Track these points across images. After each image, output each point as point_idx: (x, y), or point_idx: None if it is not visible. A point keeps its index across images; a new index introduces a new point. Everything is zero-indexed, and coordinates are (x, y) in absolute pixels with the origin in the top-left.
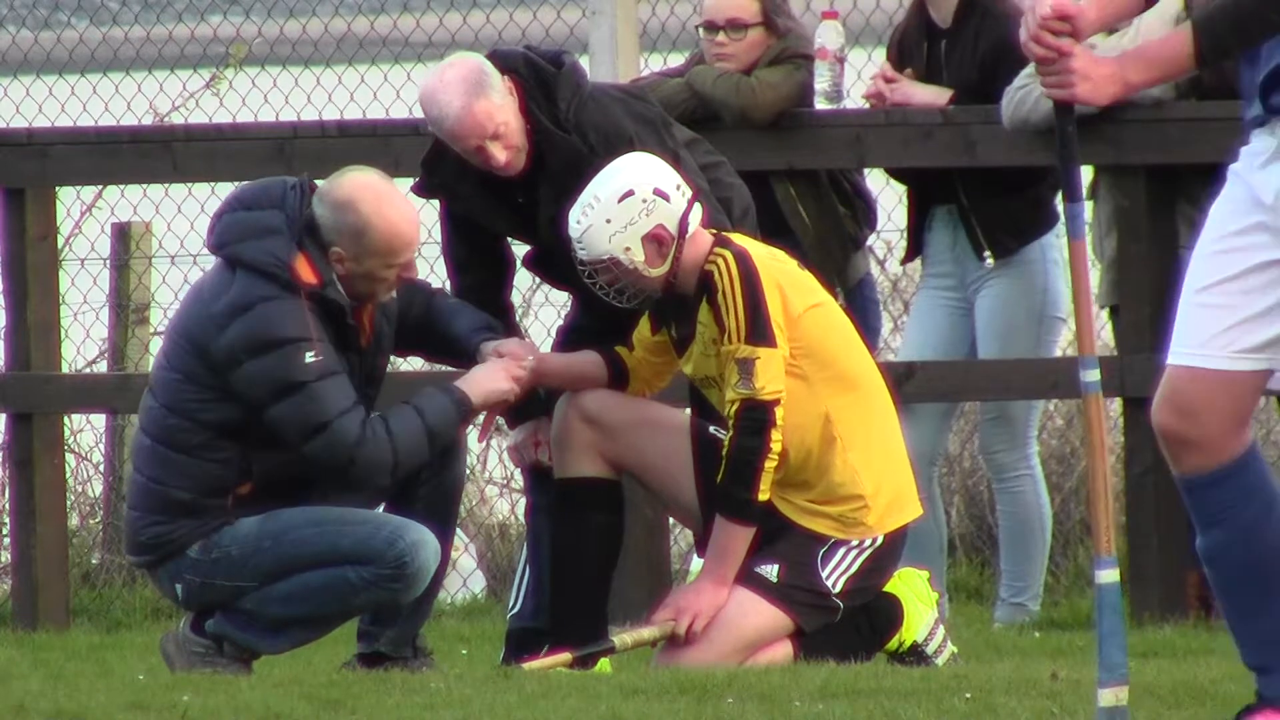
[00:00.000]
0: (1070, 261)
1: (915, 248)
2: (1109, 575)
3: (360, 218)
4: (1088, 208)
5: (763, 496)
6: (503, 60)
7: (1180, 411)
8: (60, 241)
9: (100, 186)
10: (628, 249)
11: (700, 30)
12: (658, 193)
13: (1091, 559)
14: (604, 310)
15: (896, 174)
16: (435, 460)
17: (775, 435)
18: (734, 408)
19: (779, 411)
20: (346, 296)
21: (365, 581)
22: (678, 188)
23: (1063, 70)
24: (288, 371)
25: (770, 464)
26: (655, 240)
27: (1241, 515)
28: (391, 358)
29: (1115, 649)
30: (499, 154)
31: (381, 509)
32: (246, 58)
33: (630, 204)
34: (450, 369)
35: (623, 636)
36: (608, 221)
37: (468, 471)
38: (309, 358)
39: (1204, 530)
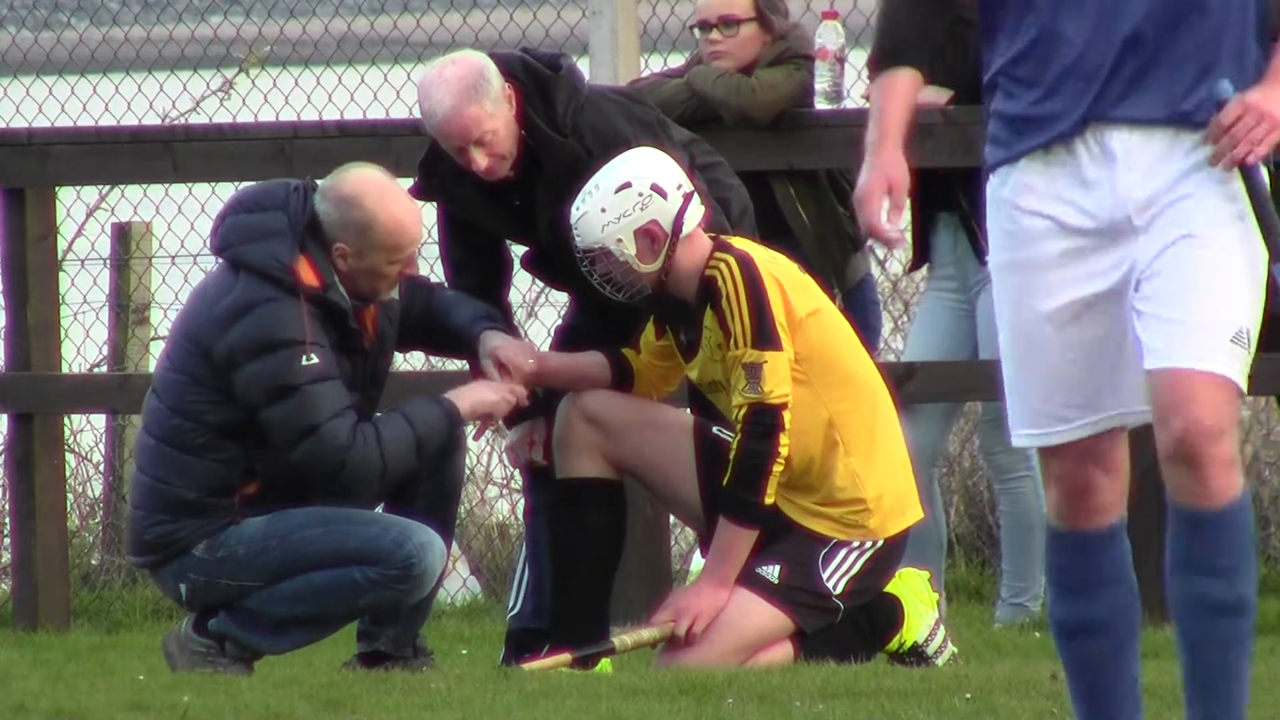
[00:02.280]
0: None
1: (921, 256)
2: None
3: (365, 213)
4: None
5: (769, 500)
6: (501, 63)
7: (1106, 467)
8: (63, 244)
9: (104, 188)
10: (619, 240)
11: (695, 31)
12: (655, 188)
13: None
14: (602, 311)
15: None
16: (435, 460)
17: (783, 439)
18: (742, 412)
19: (787, 415)
20: (349, 296)
21: (371, 582)
22: (678, 187)
23: (1258, 119)
24: (283, 374)
25: (778, 468)
26: (648, 235)
27: (1129, 571)
28: (395, 356)
29: None
30: (480, 159)
31: (380, 509)
32: (248, 58)
33: (626, 196)
34: (451, 370)
35: (623, 637)
36: (603, 210)
37: (468, 472)
38: (305, 361)
39: (1086, 595)
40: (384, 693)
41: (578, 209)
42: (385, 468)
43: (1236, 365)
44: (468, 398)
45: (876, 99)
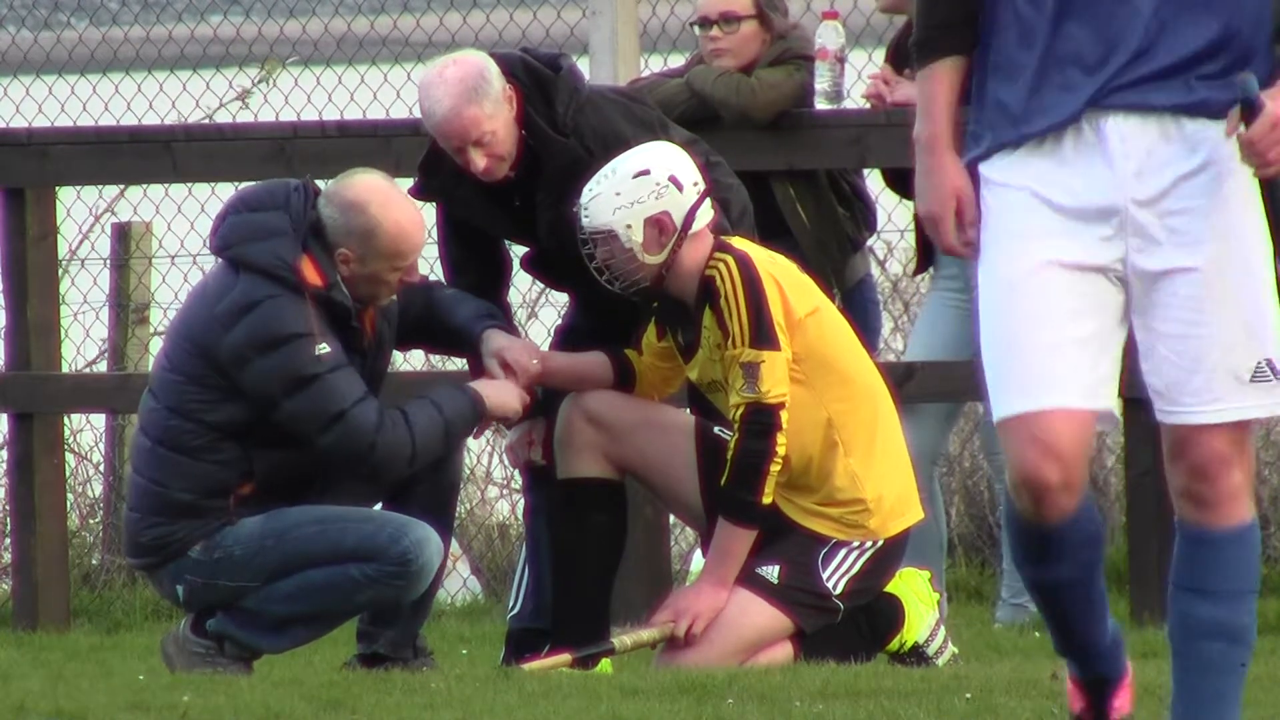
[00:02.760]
0: None
1: (924, 260)
2: None
3: (370, 219)
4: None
5: (766, 500)
6: (502, 64)
7: (1057, 456)
8: (65, 247)
9: (109, 192)
10: (629, 226)
11: (696, 28)
12: (672, 180)
13: None
14: (602, 311)
15: (895, 185)
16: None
17: (780, 439)
18: (739, 411)
19: (784, 415)
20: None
21: (369, 579)
22: (695, 184)
23: None
24: (299, 365)
25: (775, 467)
26: (657, 226)
27: (1098, 541)
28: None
29: None
30: (479, 160)
31: (379, 508)
32: (268, 66)
33: (643, 183)
34: (451, 369)
35: (622, 638)
36: (617, 194)
37: (467, 472)
38: (319, 350)
39: (1050, 563)
40: (384, 693)
41: (591, 189)
42: (415, 450)
43: (1256, 401)
44: (491, 394)
45: (921, 93)
